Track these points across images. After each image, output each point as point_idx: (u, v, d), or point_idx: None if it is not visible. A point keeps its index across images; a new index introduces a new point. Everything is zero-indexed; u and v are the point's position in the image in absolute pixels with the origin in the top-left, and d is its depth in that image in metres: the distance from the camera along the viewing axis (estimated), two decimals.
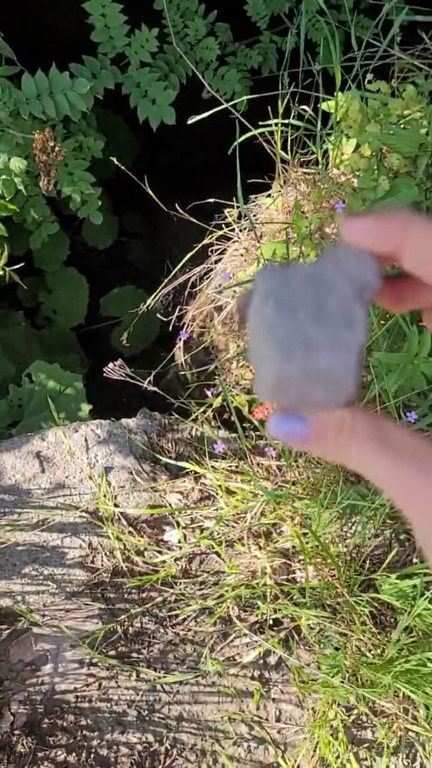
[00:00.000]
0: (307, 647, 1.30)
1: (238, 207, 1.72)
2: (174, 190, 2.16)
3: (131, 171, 2.70)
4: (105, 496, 1.39)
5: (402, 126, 1.52)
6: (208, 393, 1.46)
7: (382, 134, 1.23)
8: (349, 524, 1.30)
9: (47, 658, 1.30)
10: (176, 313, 1.76)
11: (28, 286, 2.37)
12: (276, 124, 1.75)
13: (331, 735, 1.22)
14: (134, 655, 1.30)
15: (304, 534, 1.29)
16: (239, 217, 1.81)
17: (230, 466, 1.40)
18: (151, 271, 2.54)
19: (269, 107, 1.78)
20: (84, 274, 2.43)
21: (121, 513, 1.39)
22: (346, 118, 1.40)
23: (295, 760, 1.24)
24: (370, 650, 1.24)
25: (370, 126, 1.36)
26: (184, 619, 1.33)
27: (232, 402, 1.41)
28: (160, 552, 1.36)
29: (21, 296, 2.38)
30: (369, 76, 1.52)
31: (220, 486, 1.34)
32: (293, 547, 1.34)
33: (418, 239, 0.29)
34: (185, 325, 1.80)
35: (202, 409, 1.43)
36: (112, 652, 1.30)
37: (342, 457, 0.30)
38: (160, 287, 1.78)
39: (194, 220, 1.79)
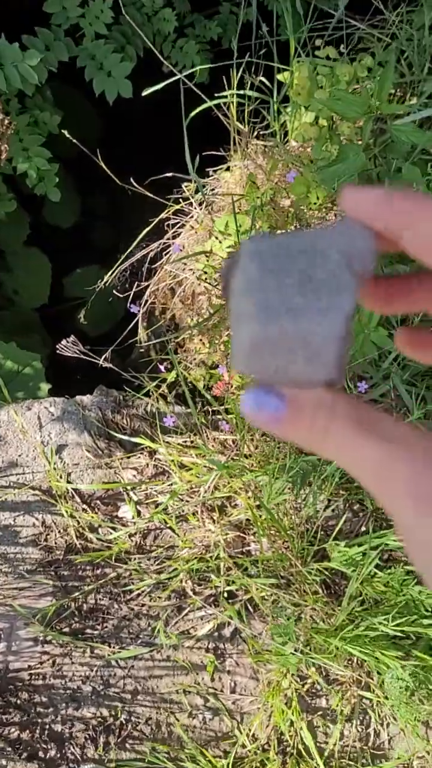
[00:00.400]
0: (261, 618, 1.30)
1: (194, 181, 1.70)
2: (136, 165, 2.13)
3: (95, 149, 2.65)
4: (58, 473, 1.37)
5: (351, 92, 1.50)
6: (162, 368, 1.45)
7: (329, 100, 1.21)
8: (302, 495, 1.29)
9: (0, 636, 1.29)
10: (134, 290, 1.73)
11: None
12: (231, 96, 1.73)
13: (285, 704, 1.23)
14: (88, 631, 1.30)
15: (258, 506, 1.29)
16: (196, 191, 1.79)
17: (184, 441, 1.39)
18: (115, 251, 2.52)
19: (225, 78, 1.76)
20: (47, 254, 2.39)
21: (75, 490, 1.37)
22: (295, 86, 1.38)
23: (250, 730, 1.24)
24: (323, 619, 1.24)
25: (317, 92, 1.34)
26: (139, 594, 1.32)
27: (186, 377, 1.40)
28: (114, 528, 1.35)
29: None
30: (318, 42, 1.50)
31: (173, 461, 1.33)
32: (247, 520, 1.34)
33: (428, 221, 0.27)
34: (144, 302, 1.78)
35: (154, 383, 1.42)
36: (66, 629, 1.29)
37: (318, 441, 0.28)
38: (116, 264, 1.76)
39: (150, 195, 1.77)
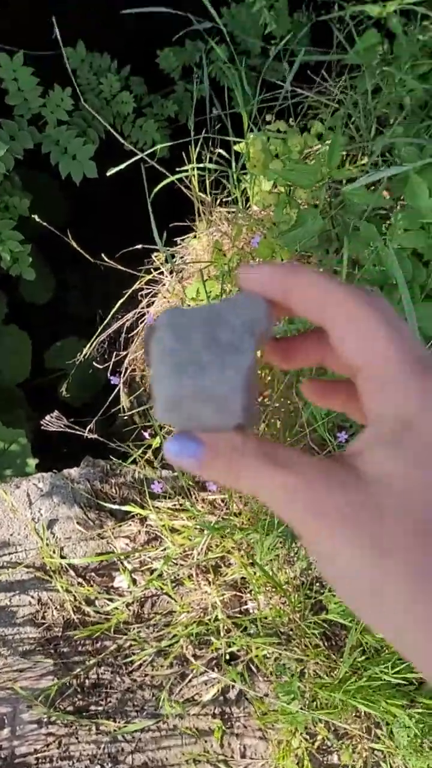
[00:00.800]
0: (265, 678, 1.30)
1: (163, 252, 1.76)
2: (106, 239, 2.21)
3: (65, 225, 2.73)
4: (51, 549, 1.38)
5: (306, 160, 1.59)
6: (146, 434, 1.47)
7: (283, 170, 1.28)
8: (294, 548, 1.31)
9: (4, 721, 1.27)
10: (113, 360, 1.78)
11: None
12: (192, 169, 1.81)
13: (297, 764, 1.21)
14: (92, 707, 1.29)
15: (251, 564, 1.30)
16: (166, 261, 1.85)
17: (174, 505, 1.41)
18: (92, 322, 2.57)
19: (183, 153, 1.85)
20: (25, 329, 2.44)
21: (69, 564, 1.38)
22: (251, 159, 1.46)
23: None
24: (326, 672, 1.24)
25: (272, 163, 1.42)
26: (140, 665, 1.32)
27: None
28: (111, 599, 1.35)
29: None
30: (269, 117, 1.59)
31: (164, 526, 1.35)
32: (242, 578, 1.35)
33: (303, 287, 0.32)
34: (123, 371, 1.82)
35: (140, 451, 1.44)
36: (70, 708, 1.28)
37: (233, 478, 0.31)
38: (94, 336, 1.80)
39: (122, 268, 1.83)
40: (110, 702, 1.29)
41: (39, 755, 1.25)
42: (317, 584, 1.33)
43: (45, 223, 1.86)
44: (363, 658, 1.21)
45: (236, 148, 1.79)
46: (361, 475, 0.30)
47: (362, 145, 1.80)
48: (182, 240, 1.94)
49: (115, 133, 2.01)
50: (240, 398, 0.31)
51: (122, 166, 1.79)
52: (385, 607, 0.28)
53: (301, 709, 1.18)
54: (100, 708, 1.29)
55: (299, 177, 1.27)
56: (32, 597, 1.36)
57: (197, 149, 1.81)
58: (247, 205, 1.84)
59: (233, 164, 1.79)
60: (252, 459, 0.31)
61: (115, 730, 1.26)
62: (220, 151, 1.85)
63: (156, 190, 1.76)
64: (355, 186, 1.21)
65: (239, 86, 1.80)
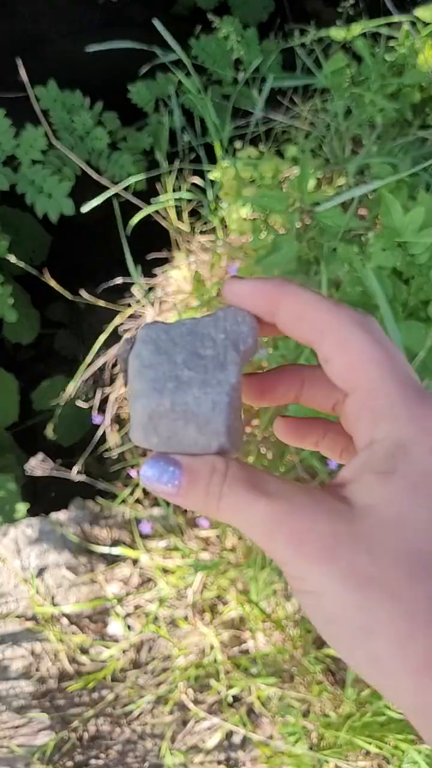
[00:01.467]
0: (269, 719, 1.25)
1: (140, 285, 1.75)
2: (88, 273, 2.20)
3: (47, 262, 2.72)
4: (42, 598, 1.34)
5: (282, 184, 1.58)
6: (133, 474, 1.44)
7: (255, 197, 1.27)
8: None
9: None
10: (99, 397, 1.75)
11: None
12: (168, 200, 1.81)
13: None
14: (92, 761, 1.24)
15: (248, 602, 1.26)
16: (146, 294, 1.84)
17: (167, 544, 1.37)
18: (79, 359, 2.55)
19: (158, 184, 1.84)
20: (12, 371, 2.41)
21: (61, 612, 1.34)
22: (223, 187, 1.45)
23: None
24: (332, 709, 1.20)
25: (245, 190, 1.41)
26: (140, 713, 1.27)
27: None
28: (106, 646, 1.31)
29: None
30: (238, 144, 1.59)
31: (157, 567, 1.31)
32: (240, 616, 1.31)
33: (291, 304, 0.31)
34: (109, 408, 1.79)
35: (129, 490, 1.41)
36: (70, 763, 1.23)
37: (213, 506, 0.29)
38: (77, 374, 1.78)
39: (102, 303, 1.81)
40: (111, 755, 1.24)
41: None
42: None
43: (23, 264, 1.85)
44: (368, 691, 1.17)
45: (210, 176, 1.78)
46: (349, 504, 0.27)
47: (338, 166, 1.80)
48: (163, 271, 1.93)
49: (89, 170, 2.01)
50: (223, 418, 0.29)
51: (97, 202, 1.78)
52: (374, 652, 0.25)
53: (308, 750, 1.14)
54: (101, 761, 1.24)
55: (272, 202, 1.26)
56: (25, 649, 1.32)
57: (173, 179, 1.81)
58: (226, 233, 1.83)
59: (209, 192, 1.79)
60: (235, 486, 0.28)
61: None
62: (195, 179, 1.84)
63: (133, 222, 1.75)
64: (326, 207, 1.20)
65: (209, 116, 1.80)
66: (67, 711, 1.27)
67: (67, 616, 1.34)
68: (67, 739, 1.24)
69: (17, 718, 1.26)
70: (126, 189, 1.89)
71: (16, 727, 1.26)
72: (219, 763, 1.24)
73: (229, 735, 1.26)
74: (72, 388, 1.77)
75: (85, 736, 1.26)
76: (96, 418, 1.50)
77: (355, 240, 1.46)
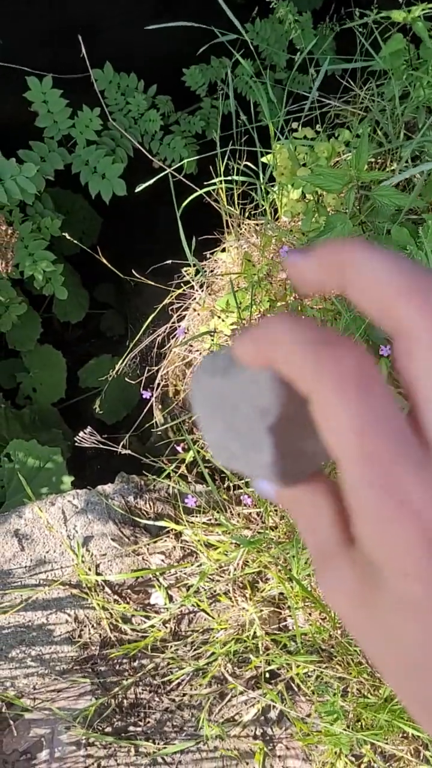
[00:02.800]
0: (306, 697, 1.26)
1: (193, 265, 1.76)
2: (138, 255, 2.22)
3: (97, 244, 2.74)
4: (87, 566, 1.37)
5: (335, 166, 1.57)
6: (179, 449, 1.46)
7: (311, 176, 1.26)
8: None
9: (42, 744, 1.25)
10: (145, 375, 1.77)
11: (5, 367, 2.40)
12: (219, 182, 1.81)
13: None
14: (131, 728, 1.26)
15: (289, 579, 1.27)
16: (196, 274, 1.85)
17: (209, 519, 1.38)
18: (125, 338, 2.58)
19: (211, 167, 1.84)
20: (60, 349, 2.46)
21: (105, 581, 1.36)
22: (278, 167, 1.45)
23: None
24: (370, 691, 1.20)
25: (300, 171, 1.40)
26: (179, 684, 1.29)
27: (204, 455, 1.41)
28: (147, 617, 1.33)
29: None
30: (295, 125, 1.58)
31: (199, 541, 1.33)
32: (281, 594, 1.31)
33: (357, 274, 0.25)
34: (156, 386, 1.81)
35: (173, 465, 1.42)
36: (109, 729, 1.26)
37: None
38: (126, 352, 1.80)
39: (152, 283, 1.83)
40: (149, 722, 1.27)
41: None
42: None
43: (76, 242, 1.88)
44: None
45: (264, 159, 1.78)
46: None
47: (391, 149, 1.78)
48: (211, 254, 1.93)
49: (143, 151, 2.02)
50: (278, 484, 0.29)
51: (150, 183, 1.79)
52: None
53: (345, 729, 1.14)
54: (139, 729, 1.26)
55: (327, 182, 1.25)
56: (68, 615, 1.35)
57: (224, 162, 1.81)
58: (276, 216, 1.82)
59: (261, 175, 1.78)
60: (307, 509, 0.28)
61: (154, 752, 1.23)
62: (247, 163, 1.84)
63: (184, 204, 1.76)
64: (384, 186, 1.19)
65: (265, 98, 1.80)
66: (108, 678, 1.30)
67: (110, 585, 1.37)
68: (108, 704, 1.27)
69: (59, 681, 1.30)
70: (178, 171, 1.90)
71: (58, 690, 1.29)
72: (255, 737, 1.25)
73: (265, 710, 1.27)
74: (120, 365, 1.79)
75: (125, 703, 1.28)
76: (145, 394, 1.52)
77: (411, 224, 1.45)
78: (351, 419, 0.23)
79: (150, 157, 1.96)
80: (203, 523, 1.38)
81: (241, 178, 1.76)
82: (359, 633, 0.26)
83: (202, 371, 0.30)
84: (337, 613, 0.26)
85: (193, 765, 1.23)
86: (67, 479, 1.81)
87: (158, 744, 1.24)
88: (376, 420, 0.23)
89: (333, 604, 0.26)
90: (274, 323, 0.26)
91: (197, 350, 1.66)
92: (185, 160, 2.06)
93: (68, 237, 1.84)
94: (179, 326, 1.82)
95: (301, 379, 0.25)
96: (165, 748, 1.23)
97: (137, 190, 1.83)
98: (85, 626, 1.34)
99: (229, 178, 1.77)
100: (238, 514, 1.41)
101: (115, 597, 1.36)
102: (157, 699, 1.28)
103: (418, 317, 0.23)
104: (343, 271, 0.25)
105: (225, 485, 1.46)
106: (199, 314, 1.68)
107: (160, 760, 1.24)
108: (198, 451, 1.38)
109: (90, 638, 1.33)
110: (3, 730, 1.25)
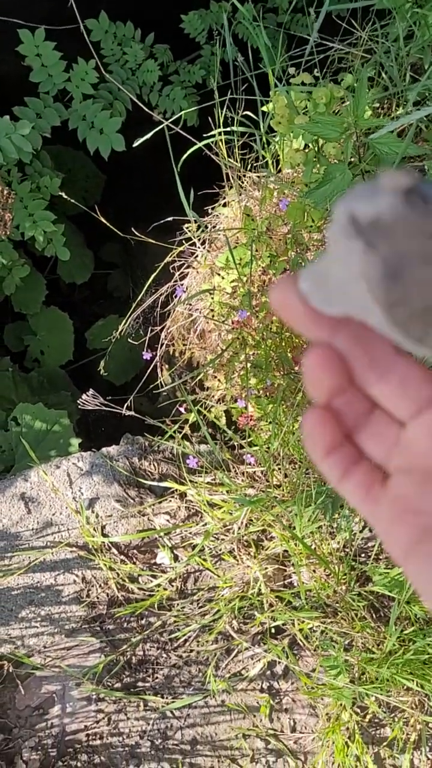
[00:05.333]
0: (311, 651, 1.27)
1: (193, 221, 1.72)
2: (139, 211, 2.17)
3: (101, 201, 2.70)
4: (93, 528, 1.38)
5: (334, 113, 1.51)
6: (182, 410, 1.45)
7: (308, 124, 1.22)
8: (336, 520, 1.27)
9: (54, 699, 1.28)
10: (149, 335, 1.75)
11: (12, 330, 2.40)
12: (219, 134, 1.76)
13: (348, 738, 1.19)
14: (140, 684, 1.29)
15: (293, 537, 1.27)
16: (198, 229, 1.81)
17: (213, 479, 1.38)
18: (131, 299, 2.56)
19: (210, 119, 1.79)
20: (67, 311, 2.44)
21: (111, 542, 1.37)
22: (275, 116, 1.40)
23: None
24: (374, 646, 1.20)
25: (297, 119, 1.35)
26: (186, 641, 1.31)
27: (206, 416, 1.40)
28: (154, 576, 1.35)
29: (7, 342, 2.40)
30: (292, 70, 1.52)
31: (203, 501, 1.33)
32: (285, 551, 1.32)
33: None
34: (161, 345, 1.80)
35: (176, 426, 1.42)
36: (118, 684, 1.28)
37: None
38: (128, 313, 1.78)
39: (153, 241, 1.80)
40: (157, 678, 1.29)
41: (89, 732, 1.26)
42: (362, 555, 1.28)
43: (74, 201, 1.84)
44: (411, 629, 1.17)
45: (264, 108, 1.72)
46: None
47: (396, 92, 1.71)
48: (212, 209, 1.89)
49: (141, 105, 1.96)
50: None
51: (147, 137, 1.74)
52: None
53: (349, 683, 1.15)
54: (148, 684, 1.29)
55: (325, 130, 1.21)
56: (76, 576, 1.37)
57: (224, 112, 1.75)
58: (278, 168, 1.77)
59: (261, 125, 1.72)
60: None
61: (163, 706, 1.26)
62: (247, 112, 1.78)
63: (183, 158, 1.71)
64: (382, 133, 1.14)
65: (263, 43, 1.73)
66: (116, 636, 1.32)
67: (117, 545, 1.38)
68: (116, 661, 1.29)
69: (69, 640, 1.32)
70: (177, 123, 1.84)
71: (68, 648, 1.31)
72: (261, 691, 1.27)
73: (271, 665, 1.28)
74: (123, 326, 1.77)
75: (133, 659, 1.30)
76: (145, 355, 1.51)
77: (413, 169, 1.40)
78: None
79: (148, 110, 1.91)
80: (207, 483, 1.37)
81: (241, 129, 1.71)
82: None
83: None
84: None
85: (201, 718, 1.26)
86: (75, 441, 1.82)
87: (166, 698, 1.27)
88: None
89: None
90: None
91: (197, 309, 1.64)
92: (185, 111, 1.99)
93: (65, 196, 1.81)
94: (181, 285, 1.79)
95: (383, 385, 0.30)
96: (173, 702, 1.26)
97: (135, 144, 1.78)
98: (92, 586, 1.35)
99: (228, 129, 1.72)
100: (242, 473, 1.41)
101: (122, 557, 1.37)
102: (164, 655, 1.30)
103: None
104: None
105: (228, 444, 1.45)
106: (198, 272, 1.65)
107: (168, 714, 1.26)
108: (200, 411, 1.37)
109: (98, 598, 1.34)
110: (16, 687, 1.28)
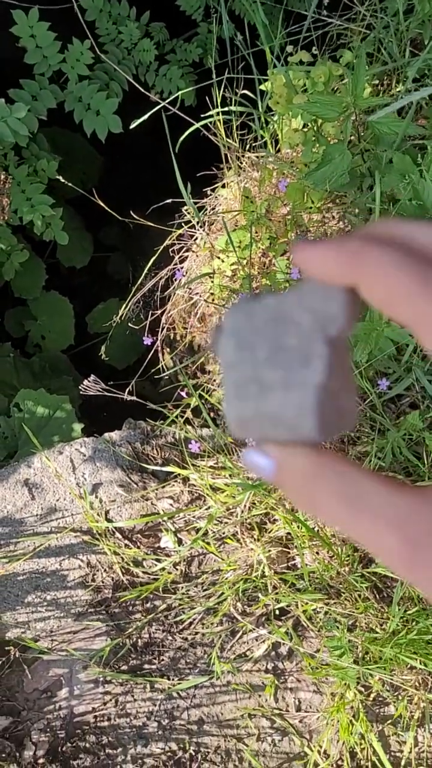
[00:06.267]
0: (315, 633, 1.28)
1: (190, 205, 1.71)
2: (139, 193, 2.16)
3: (99, 184, 2.67)
4: (96, 513, 1.39)
5: (332, 91, 1.49)
6: (183, 394, 1.45)
7: (306, 104, 1.20)
8: None
9: (61, 682, 1.30)
10: (149, 319, 1.75)
11: (13, 316, 2.39)
12: (217, 114, 1.74)
13: (353, 716, 1.20)
14: (146, 666, 1.30)
15: (296, 520, 1.27)
16: (197, 213, 1.80)
17: (215, 463, 1.39)
18: (131, 282, 2.54)
19: (208, 98, 1.77)
20: (67, 295, 2.44)
21: (115, 527, 1.38)
22: (273, 95, 1.38)
23: (321, 746, 1.22)
24: (377, 626, 1.21)
25: (296, 98, 1.33)
26: (191, 623, 1.32)
27: (207, 399, 1.40)
28: (158, 560, 1.36)
29: (7, 327, 2.39)
30: (290, 48, 1.50)
31: (206, 485, 1.33)
32: (288, 534, 1.32)
33: (373, 279, 0.26)
34: (161, 329, 1.79)
35: (178, 411, 1.42)
36: (125, 667, 1.30)
37: (311, 508, 0.27)
38: (129, 296, 1.77)
39: (152, 224, 1.79)
40: (163, 660, 1.30)
41: (97, 713, 1.28)
42: None
43: (71, 185, 1.83)
44: (414, 609, 1.17)
45: (262, 87, 1.70)
46: None
47: (396, 67, 1.69)
48: (211, 190, 1.87)
49: (137, 85, 1.94)
50: (311, 419, 0.26)
51: (144, 118, 1.73)
52: None
53: (353, 663, 1.16)
54: (154, 666, 1.30)
55: (323, 109, 1.19)
56: (81, 560, 1.38)
57: (221, 92, 1.73)
58: (277, 148, 1.75)
59: (259, 104, 1.70)
60: (328, 498, 0.26)
61: (169, 687, 1.27)
62: (245, 91, 1.76)
63: (181, 139, 1.70)
64: (381, 114, 1.12)
65: (260, 19, 1.70)
66: (122, 619, 1.33)
67: (121, 530, 1.39)
68: (123, 644, 1.31)
69: (75, 624, 1.33)
70: (175, 104, 1.82)
71: (75, 632, 1.33)
72: (266, 671, 1.28)
73: (276, 646, 1.30)
74: (123, 310, 1.77)
75: (139, 642, 1.32)
76: (146, 340, 1.51)
77: (413, 150, 1.38)
78: None
79: (144, 91, 1.88)
80: (210, 467, 1.38)
81: (239, 109, 1.69)
82: None
83: (234, 307, 0.29)
84: None
85: (207, 699, 1.27)
86: (78, 426, 1.82)
87: (173, 680, 1.28)
88: None
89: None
90: (371, 245, 0.26)
91: (197, 293, 1.63)
92: (182, 91, 1.97)
93: (62, 180, 1.79)
94: (180, 268, 1.79)
95: (409, 302, 0.25)
96: (179, 683, 1.27)
97: (132, 126, 1.76)
98: (97, 571, 1.37)
99: (227, 109, 1.70)
100: None
101: (126, 542, 1.38)
102: (170, 638, 1.32)
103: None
104: (356, 267, 0.26)
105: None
106: (198, 255, 1.64)
107: (175, 695, 1.28)
108: (201, 396, 1.37)
109: (103, 582, 1.35)
110: (23, 671, 1.30)
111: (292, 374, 0.26)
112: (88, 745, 1.25)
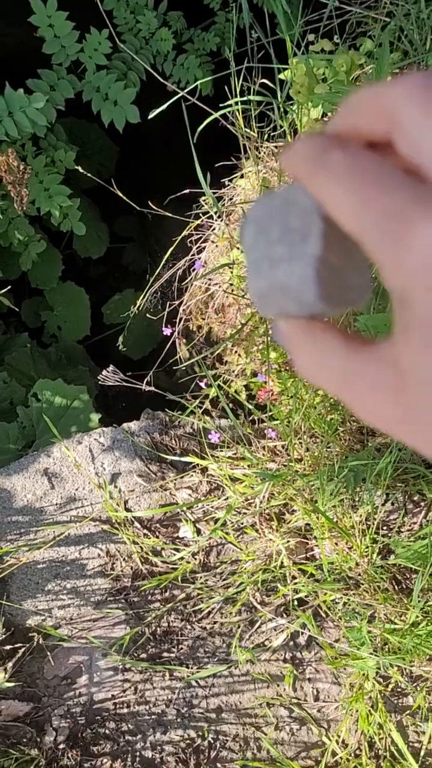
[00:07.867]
0: (334, 623, 1.29)
1: (209, 195, 1.70)
2: (156, 184, 2.15)
3: (116, 174, 2.67)
4: (115, 502, 1.39)
5: (356, 83, 1.48)
6: (202, 384, 1.45)
7: (328, 94, 1.19)
8: (358, 493, 1.27)
9: (81, 669, 1.31)
10: (167, 310, 1.75)
11: (29, 306, 2.40)
12: (235, 104, 1.73)
13: (371, 707, 1.21)
14: (165, 654, 1.31)
15: (315, 510, 1.27)
16: (215, 203, 1.79)
17: (234, 454, 1.39)
18: (147, 273, 2.55)
19: (226, 88, 1.76)
20: (83, 285, 2.44)
21: (134, 517, 1.39)
22: (294, 85, 1.37)
23: (339, 736, 1.22)
24: (396, 617, 1.21)
25: (317, 87, 1.32)
26: (209, 612, 1.33)
27: (227, 390, 1.40)
28: (177, 549, 1.36)
29: (24, 318, 2.40)
30: (311, 37, 1.48)
31: (225, 476, 1.34)
32: (307, 525, 1.32)
33: (408, 124, 0.24)
34: (179, 320, 1.80)
35: (197, 401, 1.42)
36: (144, 655, 1.31)
37: (301, 375, 0.29)
38: (146, 287, 1.77)
39: (170, 215, 1.78)
40: (182, 649, 1.31)
41: (117, 701, 1.29)
42: (384, 528, 1.29)
43: (90, 175, 1.83)
44: None
45: (281, 76, 1.69)
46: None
47: (417, 59, 1.67)
48: (230, 180, 1.87)
49: (155, 74, 1.93)
50: (313, 289, 0.29)
51: (163, 108, 1.72)
52: None
53: (372, 654, 1.17)
54: (173, 655, 1.31)
55: None
56: (101, 549, 1.39)
57: (240, 81, 1.72)
58: (296, 138, 1.74)
59: (279, 94, 1.69)
60: (305, 363, 0.29)
61: (188, 676, 1.28)
62: (265, 81, 1.75)
63: (199, 129, 1.69)
64: None
65: (281, 7, 1.69)
66: (141, 608, 1.34)
67: (140, 520, 1.39)
68: (142, 633, 1.32)
69: (95, 612, 1.34)
70: (193, 93, 1.81)
71: (94, 620, 1.34)
72: (285, 661, 1.29)
73: (294, 636, 1.30)
74: (141, 301, 1.77)
75: (158, 631, 1.33)
76: (165, 330, 1.51)
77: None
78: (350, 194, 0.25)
79: (162, 80, 1.88)
80: (228, 457, 1.38)
81: (258, 98, 1.68)
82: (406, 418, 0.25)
83: (256, 200, 0.32)
84: (378, 416, 0.25)
85: (226, 688, 1.28)
86: (95, 416, 1.83)
87: (191, 668, 1.29)
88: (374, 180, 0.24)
89: (373, 412, 0.26)
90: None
91: (216, 284, 1.63)
92: (200, 81, 1.96)
93: (81, 170, 1.79)
94: (198, 258, 1.78)
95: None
96: (198, 672, 1.28)
97: (150, 116, 1.76)
98: (116, 560, 1.37)
99: (245, 98, 1.69)
100: (263, 447, 1.41)
101: (145, 531, 1.38)
102: (189, 627, 1.32)
103: None
104: (389, 115, 0.24)
105: (249, 419, 1.45)
106: (217, 246, 1.64)
107: (194, 684, 1.29)
108: (220, 386, 1.38)
109: (122, 571, 1.36)
110: (44, 658, 1.31)
111: (294, 249, 0.29)
112: (107, 731, 1.26)
